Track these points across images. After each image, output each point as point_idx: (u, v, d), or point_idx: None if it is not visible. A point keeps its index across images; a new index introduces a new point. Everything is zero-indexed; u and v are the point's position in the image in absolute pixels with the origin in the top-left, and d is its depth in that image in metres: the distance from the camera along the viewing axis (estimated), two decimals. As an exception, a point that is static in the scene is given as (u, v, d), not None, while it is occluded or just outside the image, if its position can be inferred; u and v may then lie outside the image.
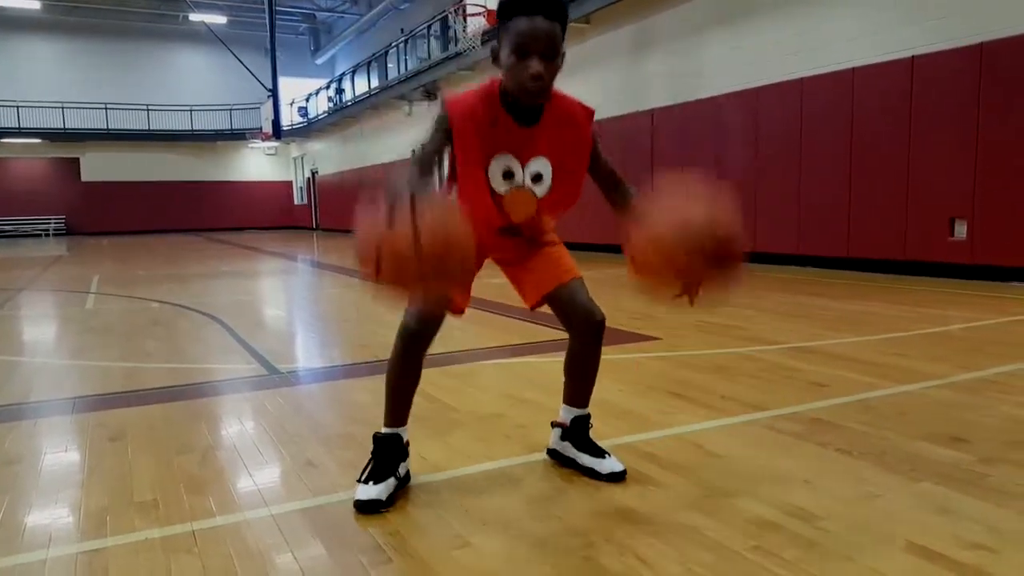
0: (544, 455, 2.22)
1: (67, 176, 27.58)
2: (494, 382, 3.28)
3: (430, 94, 17.02)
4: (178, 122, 28.50)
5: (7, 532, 1.80)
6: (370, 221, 1.46)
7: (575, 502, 1.89)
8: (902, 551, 1.57)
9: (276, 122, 24.30)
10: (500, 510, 1.85)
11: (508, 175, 1.87)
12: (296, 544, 1.69)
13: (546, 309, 2.08)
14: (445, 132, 1.82)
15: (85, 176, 27.63)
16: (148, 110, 27.97)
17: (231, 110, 28.65)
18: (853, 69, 7.66)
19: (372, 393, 3.03)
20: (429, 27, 17.08)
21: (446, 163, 1.88)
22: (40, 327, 5.55)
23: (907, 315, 4.85)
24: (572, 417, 2.11)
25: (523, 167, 1.87)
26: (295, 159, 30.18)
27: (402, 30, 19.82)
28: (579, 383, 2.11)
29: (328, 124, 24.73)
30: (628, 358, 3.68)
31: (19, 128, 26.06)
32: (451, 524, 1.77)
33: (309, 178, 28.37)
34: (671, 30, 10.14)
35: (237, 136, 28.63)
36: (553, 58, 1.74)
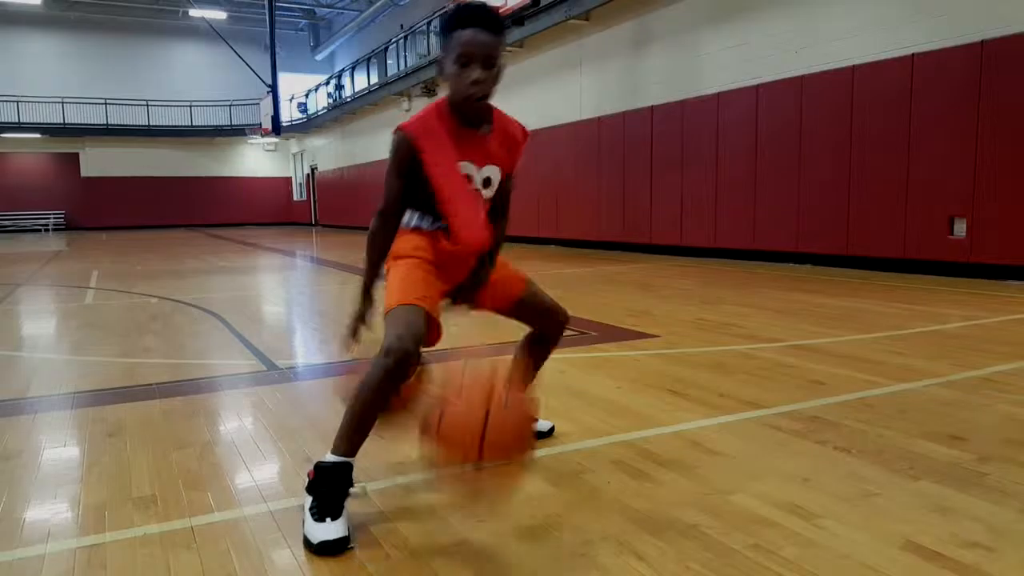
0: (542, 451, 2.22)
1: (67, 171, 27.56)
2: (493, 379, 3.27)
3: (430, 90, 17.00)
4: (177, 117, 28.47)
5: (6, 527, 1.80)
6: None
7: (572, 499, 1.90)
8: (900, 549, 1.58)
9: (275, 118, 24.24)
10: (496, 508, 1.85)
11: (468, 180, 1.95)
12: (294, 540, 1.70)
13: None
14: (409, 161, 1.87)
15: (85, 171, 27.61)
16: (148, 105, 27.93)
17: (231, 106, 28.61)
18: (853, 67, 7.65)
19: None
20: (429, 23, 17.06)
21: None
22: (39, 322, 5.54)
23: (906, 313, 4.85)
24: None
25: (478, 171, 1.96)
26: (294, 155, 30.16)
27: (401, 26, 19.79)
28: (528, 371, 2.18)
29: (327, 120, 24.71)
30: (626, 355, 3.68)
31: (19, 123, 26.01)
32: (448, 521, 1.77)
33: (308, 174, 28.35)
34: (670, 27, 10.13)
35: (236, 132, 28.60)
36: (491, 67, 1.83)
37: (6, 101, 25.65)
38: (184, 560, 1.60)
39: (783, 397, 2.82)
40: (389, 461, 2.21)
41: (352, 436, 1.76)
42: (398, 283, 1.87)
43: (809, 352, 3.66)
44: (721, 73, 9.31)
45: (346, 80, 22.92)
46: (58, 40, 27.37)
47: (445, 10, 1.93)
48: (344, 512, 1.70)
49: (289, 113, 26.83)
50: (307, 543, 1.64)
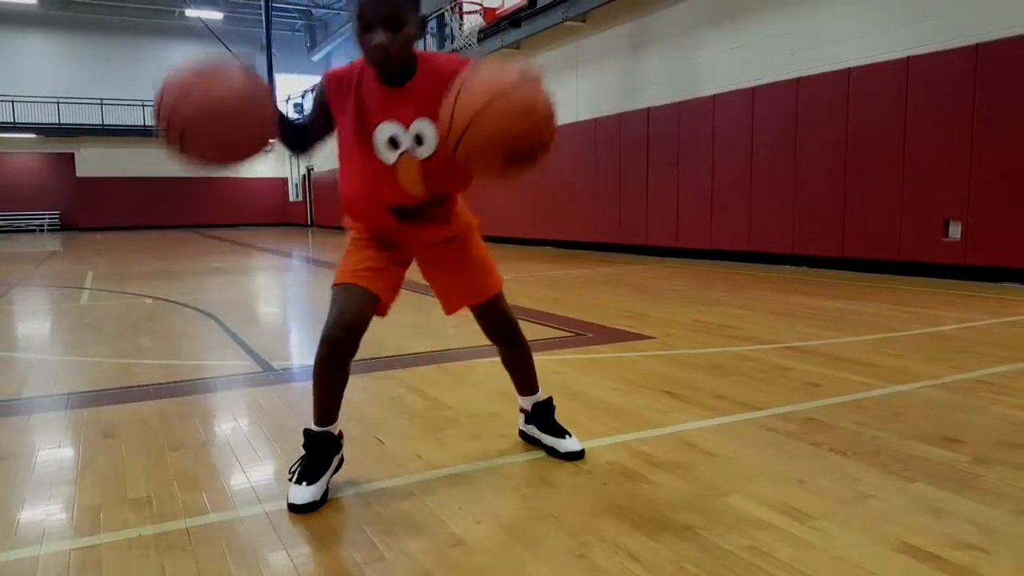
0: (538, 452, 2.23)
1: (62, 171, 27.49)
2: (488, 380, 3.27)
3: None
4: (174, 118, 28.39)
5: (0, 528, 1.79)
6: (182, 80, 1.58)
7: (569, 501, 1.90)
8: (895, 551, 1.58)
9: (272, 118, 24.17)
10: (494, 508, 1.85)
11: (393, 142, 1.83)
12: (290, 542, 1.69)
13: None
14: (322, 105, 1.88)
15: (80, 171, 27.55)
16: (143, 106, 27.84)
17: (227, 106, 28.54)
18: (849, 69, 7.67)
19: (366, 391, 3.03)
20: (426, 24, 17.03)
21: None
22: (34, 323, 5.52)
23: (901, 315, 4.86)
24: (532, 403, 2.25)
25: (406, 131, 1.83)
26: (290, 156, 30.06)
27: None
28: (519, 377, 2.27)
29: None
30: (622, 356, 3.68)
31: (14, 123, 25.94)
32: (445, 522, 1.77)
33: (304, 175, 28.31)
34: (667, 29, 10.14)
35: (233, 132, 28.51)
36: (398, 28, 1.71)
37: (1, 101, 25.58)
38: (179, 562, 1.60)
39: (779, 399, 2.83)
40: (386, 463, 2.21)
41: (320, 410, 1.95)
42: (340, 262, 1.98)
43: (805, 354, 3.66)
44: (718, 75, 9.33)
45: (342, 81, 22.86)
46: (54, 40, 27.31)
47: None
48: (322, 479, 1.88)
49: (285, 113, 26.77)
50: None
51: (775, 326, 4.53)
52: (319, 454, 1.92)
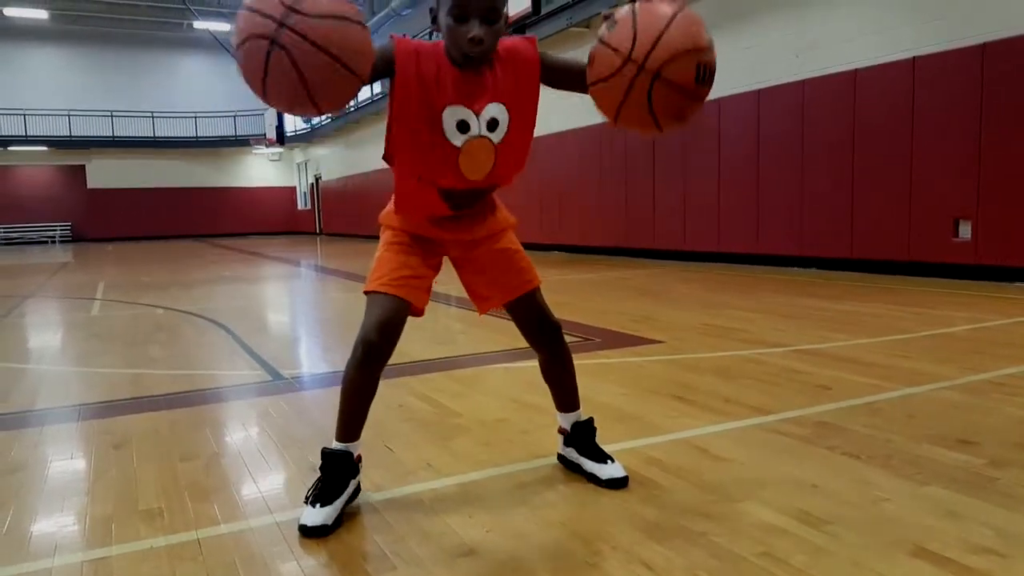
0: (550, 460, 2.22)
1: (73, 183, 27.72)
2: (498, 387, 3.27)
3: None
4: (183, 129, 28.63)
5: (13, 540, 1.80)
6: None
7: (580, 509, 1.89)
8: (910, 556, 1.56)
9: (280, 128, 24.38)
10: (505, 517, 1.85)
11: (463, 127, 1.75)
12: (300, 552, 1.69)
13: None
14: (386, 62, 1.71)
15: (91, 183, 27.77)
16: (153, 117, 28.09)
17: (235, 116, 28.75)
18: (855, 70, 7.65)
19: (376, 397, 3.02)
20: (431, 34, 17.07)
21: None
22: (46, 334, 5.56)
23: (911, 316, 4.83)
24: (572, 423, 2.12)
25: (478, 116, 1.76)
26: (299, 164, 30.25)
27: (404, 35, 19.86)
28: (558, 389, 2.13)
29: (331, 130, 24.79)
30: (631, 361, 3.67)
31: (26, 136, 26.20)
32: (455, 531, 1.77)
33: (313, 183, 28.44)
34: (673, 33, 10.13)
35: (241, 142, 28.74)
36: (494, 21, 1.67)
37: (13, 114, 25.84)
38: (190, 573, 1.60)
39: (790, 402, 2.81)
40: (395, 471, 2.21)
41: (344, 421, 1.89)
42: (376, 263, 1.91)
43: (815, 357, 3.64)
44: (723, 78, 9.26)
45: (350, 90, 22.98)
46: (64, 54, 27.57)
47: None
48: (336, 501, 1.80)
49: (293, 123, 26.94)
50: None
51: (784, 329, 4.51)
52: (335, 476, 1.84)
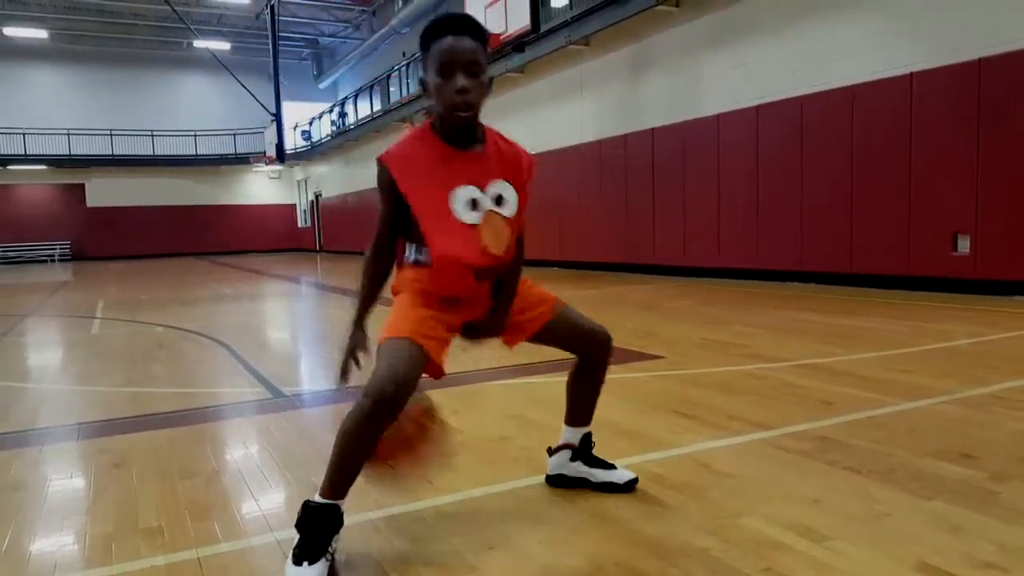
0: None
1: (72, 202, 27.77)
2: (500, 403, 3.27)
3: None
4: (182, 147, 28.74)
5: (12, 559, 1.79)
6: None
7: (583, 525, 1.88)
8: (913, 570, 1.56)
9: (280, 146, 24.46)
10: (507, 534, 1.84)
11: (473, 205, 1.79)
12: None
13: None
14: (391, 191, 1.78)
15: (90, 201, 27.82)
16: (153, 136, 28.21)
17: (235, 134, 28.88)
18: (852, 86, 7.70)
19: (377, 416, 3.02)
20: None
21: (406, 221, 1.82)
22: (46, 352, 5.55)
23: (912, 331, 4.83)
24: (581, 436, 2.13)
25: (484, 192, 1.81)
26: (299, 182, 30.36)
27: (404, 53, 20.01)
28: (588, 401, 2.12)
29: (331, 147, 24.90)
30: (632, 377, 3.67)
31: (25, 155, 26.29)
32: (457, 549, 1.76)
33: (313, 201, 28.52)
34: (670, 50, 10.21)
35: (241, 160, 28.83)
36: (478, 75, 1.73)
37: (13, 133, 25.95)
38: (191, 591, 1.59)
39: (791, 417, 2.81)
40: (398, 488, 2.20)
41: (334, 478, 1.68)
42: (393, 317, 1.80)
43: (816, 371, 3.64)
44: (721, 95, 9.37)
45: (349, 108, 23.14)
46: (64, 73, 27.73)
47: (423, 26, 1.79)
48: (325, 559, 1.62)
49: (293, 141, 27.07)
50: None
51: (785, 343, 4.51)
52: (321, 530, 1.65)
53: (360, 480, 2.10)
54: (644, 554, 1.69)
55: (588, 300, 7.52)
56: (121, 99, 28.29)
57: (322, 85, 30.05)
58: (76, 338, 6.26)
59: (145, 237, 28.07)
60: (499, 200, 1.84)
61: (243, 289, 11.22)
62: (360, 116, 22.17)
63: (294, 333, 6.56)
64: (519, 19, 11.66)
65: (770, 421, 2.76)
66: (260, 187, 30.73)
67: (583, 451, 2.12)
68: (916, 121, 7.13)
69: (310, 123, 26.98)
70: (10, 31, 24.07)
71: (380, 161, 1.79)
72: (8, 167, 26.25)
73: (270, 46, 22.90)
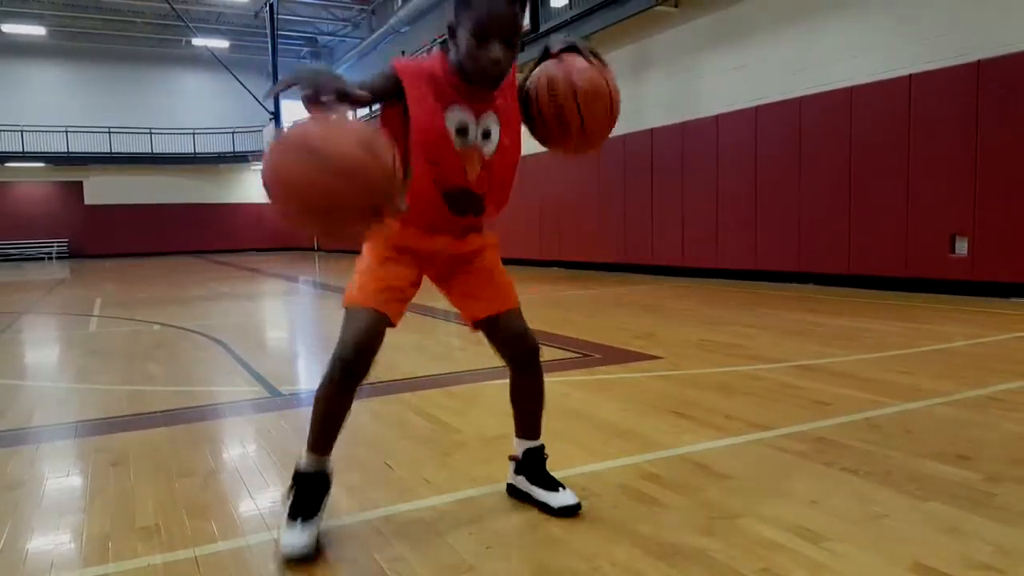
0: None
1: (70, 199, 27.73)
2: (497, 403, 3.26)
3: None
4: (181, 145, 28.70)
5: (9, 558, 1.79)
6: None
7: (579, 525, 1.88)
8: (909, 571, 1.56)
9: (278, 144, 24.37)
10: (504, 533, 1.84)
11: (462, 130, 1.77)
12: (299, 570, 1.68)
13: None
14: (392, 82, 1.73)
15: (88, 199, 27.78)
16: (151, 133, 28.17)
17: (234, 133, 28.84)
18: (851, 88, 7.71)
19: (374, 415, 3.02)
20: (429, 50, 17.27)
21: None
22: (43, 350, 5.55)
23: (909, 332, 4.84)
24: (524, 449, 2.03)
25: (476, 122, 1.79)
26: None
27: (403, 53, 20.02)
28: (524, 414, 2.04)
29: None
30: (630, 377, 3.67)
31: (23, 152, 26.23)
32: (455, 548, 1.76)
33: (311, 200, 28.44)
34: (670, 50, 10.22)
35: (240, 159, 28.79)
36: (513, 46, 1.71)
37: (10, 131, 25.89)
38: (188, 590, 1.59)
39: (789, 418, 2.81)
40: (394, 488, 2.20)
41: (319, 437, 1.83)
42: (359, 276, 1.85)
43: (814, 372, 3.65)
44: (721, 95, 9.38)
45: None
46: (62, 70, 27.67)
47: None
48: (316, 518, 1.76)
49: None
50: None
51: (783, 344, 4.51)
52: (313, 491, 1.81)
53: (360, 480, 2.10)
54: (641, 554, 1.69)
55: (586, 300, 7.52)
56: (120, 97, 28.24)
57: (321, 84, 29.98)
58: (73, 336, 6.25)
59: (143, 235, 28.04)
60: (486, 134, 1.82)
61: (241, 288, 11.21)
62: (359, 116, 22.14)
63: (292, 332, 6.55)
64: (519, 19, 11.66)
65: (768, 422, 2.76)
66: (258, 186, 30.51)
67: (527, 465, 2.02)
68: (915, 123, 7.14)
69: (310, 121, 26.91)
70: (8, 28, 24.01)
71: (393, 64, 1.75)
72: (6, 164, 26.18)
73: (269, 44, 22.85)
